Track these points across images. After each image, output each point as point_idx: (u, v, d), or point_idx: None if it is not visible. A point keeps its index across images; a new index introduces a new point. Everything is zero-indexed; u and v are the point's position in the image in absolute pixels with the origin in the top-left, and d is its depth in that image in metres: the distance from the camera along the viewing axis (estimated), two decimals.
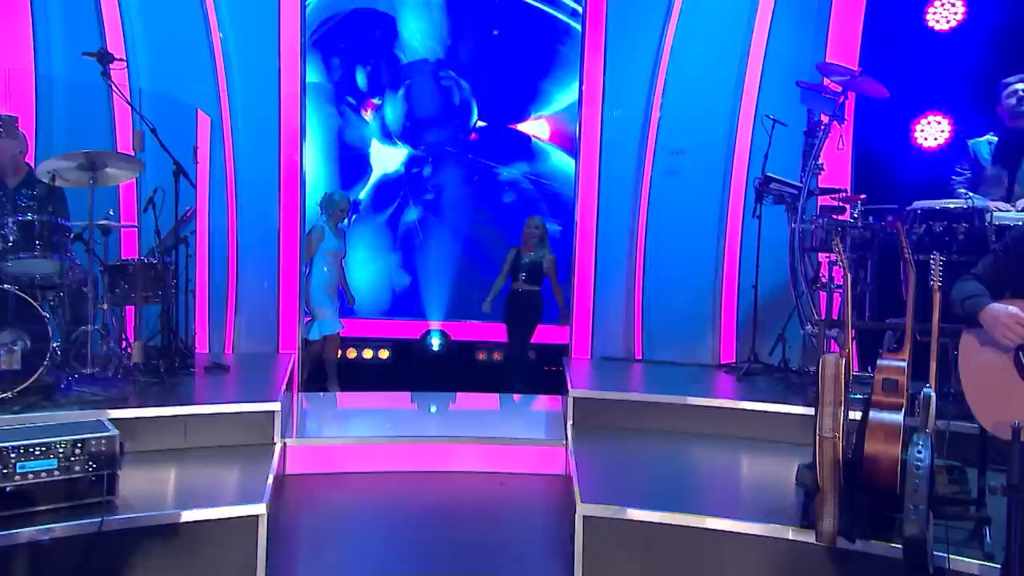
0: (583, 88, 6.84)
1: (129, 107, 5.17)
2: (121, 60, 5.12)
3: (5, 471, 3.56)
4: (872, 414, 3.70)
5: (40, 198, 5.22)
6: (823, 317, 5.74)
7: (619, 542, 3.92)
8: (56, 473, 3.67)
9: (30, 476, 3.62)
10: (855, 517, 3.62)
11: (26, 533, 3.48)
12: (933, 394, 3.58)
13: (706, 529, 3.82)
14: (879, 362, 3.79)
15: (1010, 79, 5.41)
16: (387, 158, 8.54)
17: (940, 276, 3.78)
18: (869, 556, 3.57)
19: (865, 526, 3.63)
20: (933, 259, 3.90)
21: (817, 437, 3.64)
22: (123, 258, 5.84)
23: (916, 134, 6.55)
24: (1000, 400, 2.80)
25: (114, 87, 4.91)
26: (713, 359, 6.67)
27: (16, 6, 6.15)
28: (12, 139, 5.33)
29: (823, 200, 6.09)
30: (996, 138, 5.49)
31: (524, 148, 7.84)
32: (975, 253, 4.63)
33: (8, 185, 5.33)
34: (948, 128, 6.46)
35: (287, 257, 6.75)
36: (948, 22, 6.39)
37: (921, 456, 3.46)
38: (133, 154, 5.18)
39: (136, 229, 6.00)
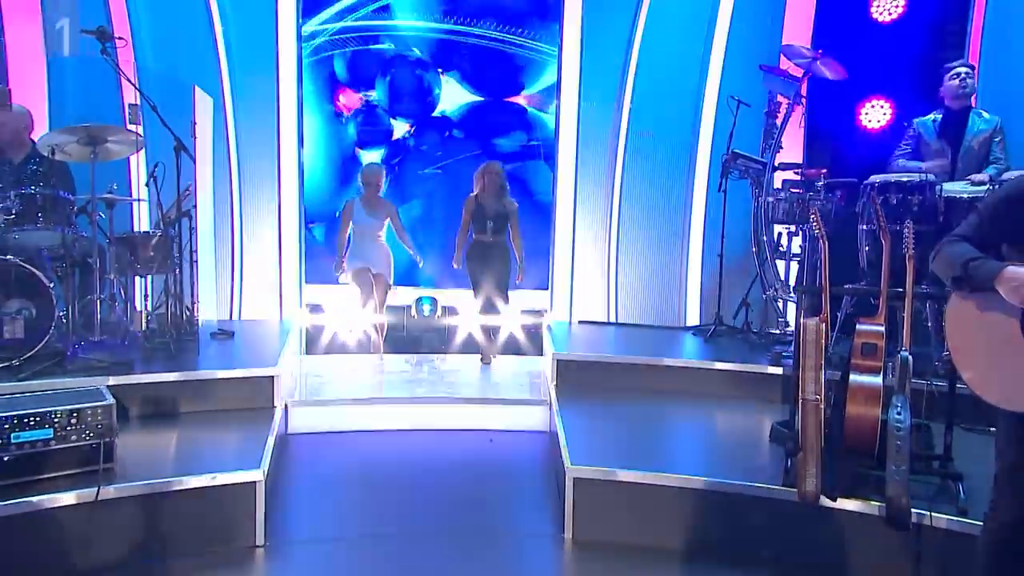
0: (561, 74, 6.45)
1: (132, 85, 4.59)
2: (120, 38, 4.54)
3: (1, 441, 3.13)
4: (852, 377, 3.38)
5: (44, 172, 4.74)
6: (785, 284, 5.44)
7: (607, 501, 3.53)
8: (53, 443, 3.24)
9: (26, 446, 3.19)
10: (836, 477, 3.27)
11: (23, 503, 3.05)
12: (910, 357, 3.28)
13: (691, 489, 3.44)
14: (858, 327, 3.47)
15: (952, 63, 5.20)
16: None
17: (913, 246, 3.46)
18: (849, 513, 3.24)
19: (845, 485, 3.28)
20: (907, 229, 3.54)
21: (800, 400, 3.30)
22: (130, 230, 5.31)
23: (861, 116, 6.23)
24: (1010, 371, 2.30)
25: (112, 63, 4.32)
26: (679, 322, 6.32)
27: None
28: (9, 111, 4.85)
29: (780, 175, 5.70)
30: (940, 116, 5.21)
31: (520, 119, 6.90)
32: (927, 223, 4.43)
33: (13, 160, 4.86)
34: (890, 111, 6.16)
35: (287, 228, 6.34)
36: (890, 14, 6.12)
37: (901, 418, 3.20)
38: (133, 128, 4.60)
39: (145, 202, 5.44)
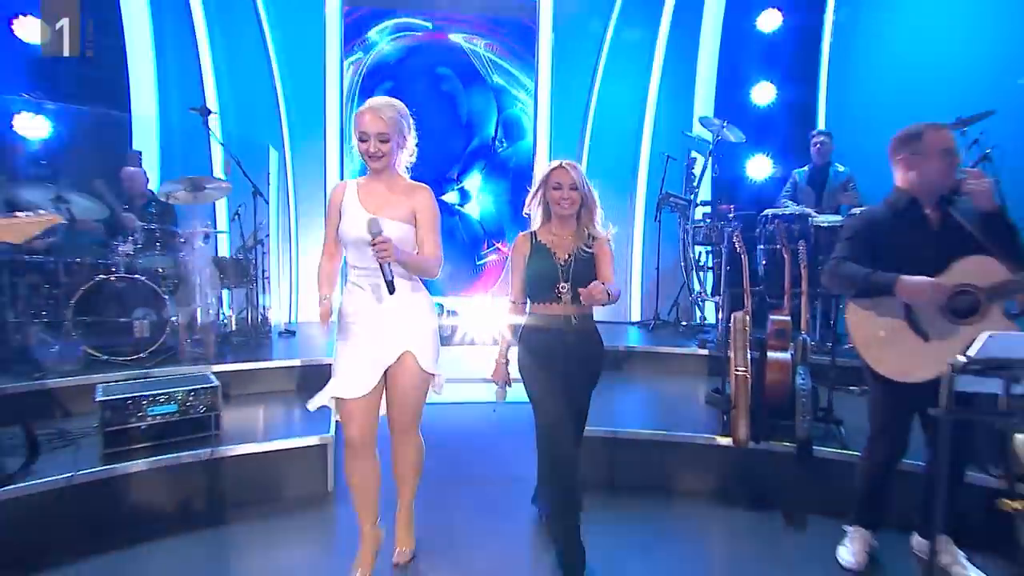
0: (536, 133, 6.37)
1: (221, 146, 4.49)
2: (212, 112, 4.44)
3: (139, 414, 3.07)
4: (769, 354, 3.45)
5: (159, 213, 4.63)
6: (704, 289, 5.49)
7: (593, 455, 3.41)
8: (177, 415, 3.18)
9: (158, 418, 3.12)
10: (759, 427, 3.31)
11: (158, 460, 2.98)
12: (808, 338, 3.41)
13: (657, 441, 3.41)
14: (772, 317, 3.54)
15: (814, 132, 5.41)
16: None
17: (806, 259, 3.55)
18: (769, 452, 3.27)
19: (766, 432, 3.32)
20: (801, 248, 3.63)
21: (733, 372, 3.33)
22: (216, 254, 5.17)
23: (748, 169, 6.36)
24: (898, 352, 2.39)
25: (210, 132, 4.24)
26: (626, 317, 6.30)
27: (144, 74, 5.47)
28: (139, 170, 4.83)
29: (700, 209, 5.74)
30: (809, 168, 5.39)
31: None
32: (804, 242, 4.49)
33: (136, 205, 4.76)
34: (768, 165, 6.30)
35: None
36: (765, 99, 6.32)
37: (804, 383, 3.28)
38: (223, 178, 4.50)
39: (229, 233, 5.28)
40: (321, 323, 2.34)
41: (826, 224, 4.80)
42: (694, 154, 5.94)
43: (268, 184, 5.21)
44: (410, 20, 6.17)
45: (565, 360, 2.39)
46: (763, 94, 6.24)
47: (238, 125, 5.67)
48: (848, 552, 2.65)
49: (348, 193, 2.30)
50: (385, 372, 2.31)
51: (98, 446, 2.95)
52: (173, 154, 5.53)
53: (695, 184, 5.60)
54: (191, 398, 3.20)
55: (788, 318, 3.46)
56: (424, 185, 2.33)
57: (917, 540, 2.68)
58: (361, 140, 2.22)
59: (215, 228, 5.07)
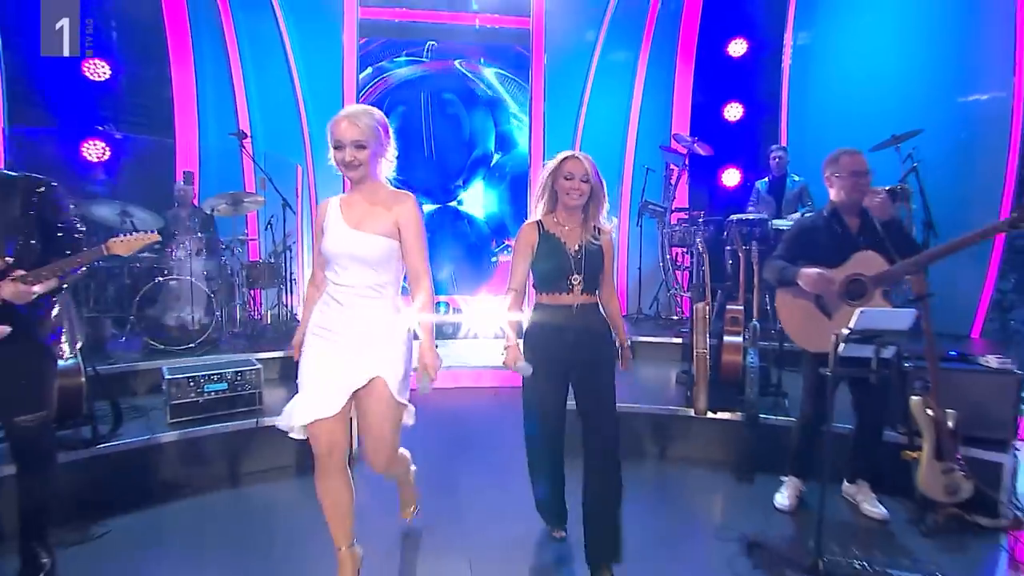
0: (532, 146, 6.81)
1: (254, 164, 5.00)
2: (246, 135, 4.95)
3: (198, 390, 3.55)
4: (725, 338, 3.90)
5: (202, 223, 5.09)
6: (684, 286, 5.92)
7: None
8: (227, 391, 3.65)
9: (212, 393, 3.60)
10: (715, 399, 3.76)
11: (213, 428, 3.47)
12: (758, 325, 3.83)
13: (638, 413, 3.84)
14: (727, 306, 3.97)
15: (772, 147, 5.79)
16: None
17: (757, 258, 4.04)
18: (724, 421, 3.71)
19: (721, 403, 3.77)
20: (752, 248, 4.12)
21: (695, 352, 3.79)
22: (252, 259, 5.66)
23: (722, 178, 6.65)
24: (812, 329, 2.87)
25: (246, 153, 4.75)
26: None
27: (187, 104, 5.94)
28: (190, 186, 5.29)
29: (675, 215, 6.12)
30: (768, 179, 5.78)
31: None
32: (762, 243, 4.89)
33: (183, 217, 5.12)
34: (739, 175, 6.62)
35: None
36: (735, 117, 6.57)
37: (753, 362, 3.70)
38: (257, 193, 5.01)
39: (259, 241, 5.78)
40: (293, 353, 2.30)
41: (784, 227, 5.28)
42: (672, 166, 6.42)
43: (297, 198, 5.70)
44: (419, 47, 6.68)
45: (573, 351, 2.32)
46: (733, 112, 6.60)
47: (268, 145, 6.13)
48: (783, 497, 3.14)
49: (331, 209, 2.15)
50: (353, 394, 2.12)
51: (165, 416, 3.46)
52: (210, 172, 6.00)
53: (672, 193, 6.06)
54: (239, 378, 3.68)
55: (741, 307, 3.94)
56: (407, 193, 2.15)
57: (845, 485, 3.18)
58: (336, 148, 2.04)
59: (248, 236, 5.57)
